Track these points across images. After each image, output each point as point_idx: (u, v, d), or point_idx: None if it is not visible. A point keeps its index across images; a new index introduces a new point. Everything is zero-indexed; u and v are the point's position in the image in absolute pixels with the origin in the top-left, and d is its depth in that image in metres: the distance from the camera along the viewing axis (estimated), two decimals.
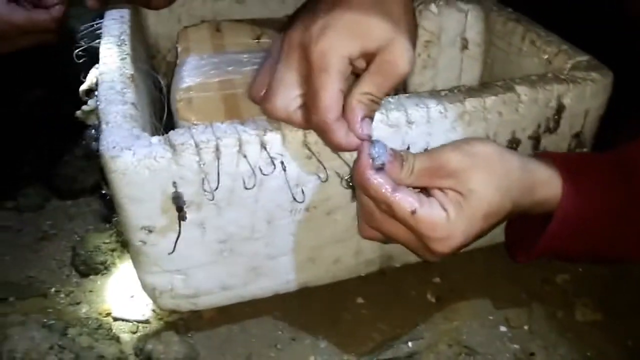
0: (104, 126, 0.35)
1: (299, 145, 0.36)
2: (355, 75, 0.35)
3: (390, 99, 0.38)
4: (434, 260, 0.36)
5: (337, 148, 0.35)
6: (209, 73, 0.47)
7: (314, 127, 0.34)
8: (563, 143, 0.44)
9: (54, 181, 0.59)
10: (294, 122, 0.35)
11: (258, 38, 0.55)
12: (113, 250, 0.53)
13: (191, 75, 0.47)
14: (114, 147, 0.34)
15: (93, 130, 0.39)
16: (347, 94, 0.34)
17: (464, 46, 0.49)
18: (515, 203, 0.35)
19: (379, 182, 0.33)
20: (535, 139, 0.43)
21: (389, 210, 0.34)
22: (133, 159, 0.33)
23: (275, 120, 0.36)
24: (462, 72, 0.50)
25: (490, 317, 0.46)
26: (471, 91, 0.40)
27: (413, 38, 0.36)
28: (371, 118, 0.35)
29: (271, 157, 0.36)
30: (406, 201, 0.33)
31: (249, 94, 0.37)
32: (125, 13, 0.51)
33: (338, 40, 0.33)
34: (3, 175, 0.61)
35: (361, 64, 0.35)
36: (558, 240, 0.37)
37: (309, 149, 0.36)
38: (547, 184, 0.37)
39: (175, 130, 0.35)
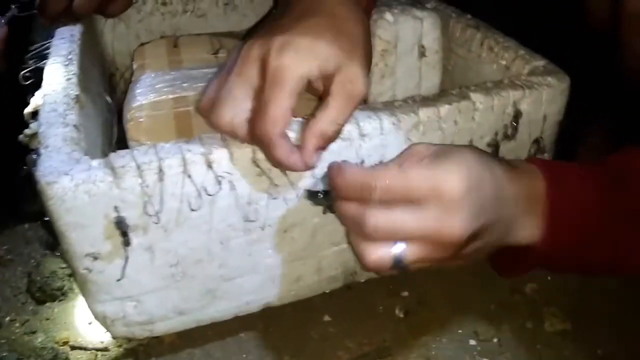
0: (42, 150, 0.34)
1: (248, 162, 0.35)
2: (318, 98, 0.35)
3: None
4: (457, 239, 0.31)
5: (277, 165, 0.34)
6: (162, 90, 0.46)
7: (257, 140, 0.33)
8: (523, 150, 0.43)
9: (7, 203, 0.58)
10: (238, 135, 0.34)
11: (216, 52, 0.54)
12: (70, 275, 0.51)
13: (144, 94, 0.46)
14: (50, 173, 0.32)
15: (35, 155, 0.37)
16: (309, 118, 0.34)
17: (422, 54, 0.48)
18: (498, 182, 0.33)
19: (355, 169, 0.32)
20: (494, 147, 0.42)
21: (382, 194, 0.31)
22: (71, 184, 0.32)
23: (220, 132, 0.34)
24: (421, 79, 0.49)
25: (460, 331, 0.45)
26: (425, 100, 0.39)
27: (369, 59, 0.37)
28: (324, 148, 0.34)
29: (218, 177, 0.34)
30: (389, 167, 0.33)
31: (199, 107, 0.36)
32: (76, 31, 0.50)
33: (298, 59, 0.32)
34: None
35: (319, 85, 0.34)
36: (550, 250, 0.35)
37: (259, 166, 0.35)
38: (531, 179, 0.34)
39: (117, 152, 0.34)
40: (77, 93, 0.39)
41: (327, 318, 0.47)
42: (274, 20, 0.36)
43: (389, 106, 0.38)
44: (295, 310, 0.46)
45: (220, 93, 0.34)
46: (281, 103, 0.32)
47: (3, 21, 0.49)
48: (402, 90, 0.49)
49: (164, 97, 0.46)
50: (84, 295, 0.37)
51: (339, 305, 0.47)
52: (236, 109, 0.33)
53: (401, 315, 0.47)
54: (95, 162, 0.33)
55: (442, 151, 0.33)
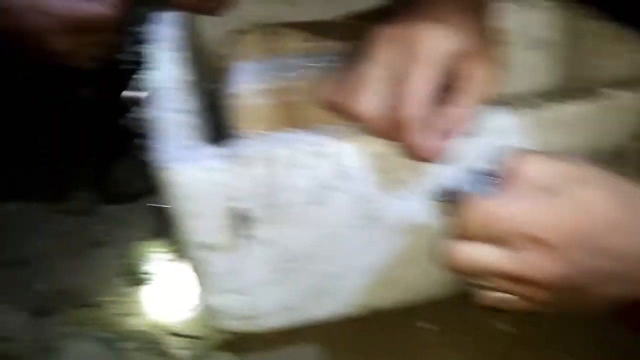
0: (160, 136, 0.33)
1: (373, 157, 0.33)
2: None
3: None
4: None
5: (412, 149, 0.31)
6: (262, 79, 0.45)
7: (394, 120, 0.31)
8: None
9: (104, 185, 0.59)
10: (373, 121, 0.32)
11: (312, 41, 0.52)
12: (165, 260, 0.51)
13: (244, 82, 0.45)
14: (171, 159, 0.31)
15: (144, 139, 0.37)
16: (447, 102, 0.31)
17: (540, 46, 0.45)
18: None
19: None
20: (619, 151, 0.38)
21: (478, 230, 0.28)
22: (192, 171, 0.31)
23: (352, 119, 0.32)
24: (538, 73, 0.46)
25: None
26: (550, 97, 0.36)
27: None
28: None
29: (339, 170, 0.33)
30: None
31: (320, 97, 0.34)
32: (179, 17, 0.50)
33: (444, 34, 0.31)
34: (52, 175, 0.61)
35: (456, 66, 0.32)
36: None
37: (383, 162, 0.33)
38: None
39: (236, 140, 0.33)
40: (186, 79, 0.39)
41: (430, 327, 0.44)
42: (403, 8, 0.34)
43: (512, 101, 0.35)
44: (397, 317, 0.43)
45: (354, 79, 0.32)
46: (425, 76, 0.30)
47: None
48: (517, 83, 0.45)
49: (265, 85, 0.45)
50: (195, 284, 0.37)
51: (446, 315, 0.44)
52: (374, 92, 0.31)
53: (512, 330, 0.44)
54: (215, 150, 0.32)
55: (563, 187, 0.28)
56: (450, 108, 0.31)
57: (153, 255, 0.51)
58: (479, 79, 0.31)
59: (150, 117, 0.36)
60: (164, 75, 0.39)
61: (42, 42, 0.46)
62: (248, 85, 0.45)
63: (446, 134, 0.31)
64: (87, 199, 0.58)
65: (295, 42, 0.52)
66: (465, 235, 0.29)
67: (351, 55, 0.34)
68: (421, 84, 0.30)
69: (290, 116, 0.42)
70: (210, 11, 0.53)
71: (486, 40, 0.33)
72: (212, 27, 0.60)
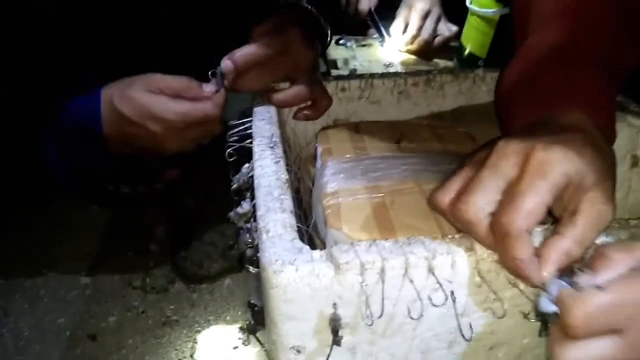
0: (264, 235, 0.34)
1: (471, 271, 0.33)
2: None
3: None
4: None
5: (512, 265, 0.31)
6: (354, 178, 0.46)
7: (499, 230, 0.31)
8: None
9: (179, 264, 0.60)
10: (480, 229, 0.32)
11: (398, 141, 0.54)
12: (235, 347, 0.51)
13: (336, 180, 0.46)
14: (276, 261, 0.32)
15: (247, 235, 0.38)
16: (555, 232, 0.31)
17: (635, 163, 0.44)
18: None
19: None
20: None
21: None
22: (295, 275, 0.32)
23: (462, 223, 0.33)
24: (630, 190, 0.45)
25: None
26: None
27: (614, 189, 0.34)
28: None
29: (438, 283, 0.33)
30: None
31: (434, 200, 0.35)
32: (272, 112, 0.53)
33: (564, 156, 0.31)
34: (132, 250, 0.63)
35: (567, 195, 0.32)
36: None
37: (481, 277, 0.33)
38: None
39: (338, 246, 0.33)
40: (287, 177, 0.41)
41: None
42: (526, 130, 0.36)
43: (624, 225, 0.35)
44: None
45: (470, 184, 0.33)
46: (539, 195, 0.30)
47: (219, 82, 0.51)
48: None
49: (357, 184, 0.46)
50: None
51: None
52: (485, 199, 0.32)
53: None
54: (318, 254, 0.33)
55: None
56: (558, 238, 0.31)
57: (223, 341, 0.51)
58: (591, 214, 0.31)
59: (254, 214, 0.38)
60: (266, 173, 0.41)
61: (156, 144, 0.50)
62: (340, 183, 0.46)
63: (551, 260, 0.31)
64: (163, 277, 0.60)
65: (381, 140, 0.54)
66: (574, 336, 0.28)
67: (466, 161, 0.35)
68: (535, 199, 0.30)
69: (383, 217, 0.42)
70: (308, 117, 0.56)
71: (609, 171, 0.33)
72: (299, 125, 0.63)
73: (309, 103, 0.56)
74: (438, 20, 0.97)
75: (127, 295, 0.57)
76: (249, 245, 0.41)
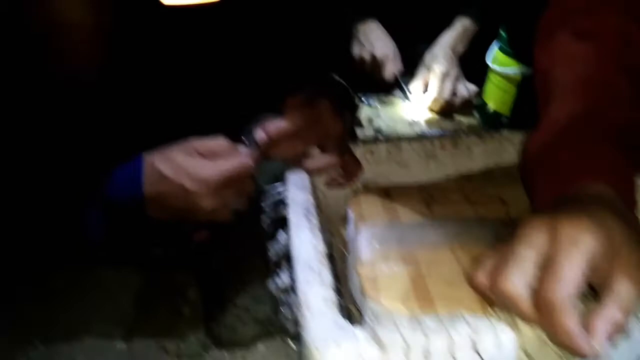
0: (305, 312, 0.35)
1: (516, 350, 0.33)
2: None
3: None
4: None
5: (562, 337, 0.31)
6: (389, 246, 0.47)
7: (543, 302, 0.31)
8: None
9: (213, 329, 0.60)
10: (521, 304, 0.32)
11: (429, 205, 0.55)
12: None
13: (371, 248, 0.47)
14: (320, 340, 0.32)
15: (287, 308, 0.38)
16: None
17: None
18: None
19: None
20: None
21: None
22: (340, 354, 0.32)
23: (502, 299, 0.33)
24: None
25: None
26: None
27: None
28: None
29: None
30: None
31: (474, 281, 0.36)
32: (306, 178, 0.54)
33: (593, 227, 0.33)
34: (164, 313, 0.63)
35: (601, 264, 0.32)
36: None
37: (527, 355, 0.33)
38: None
39: (381, 324, 0.34)
40: (325, 249, 0.41)
41: None
42: (553, 205, 0.37)
43: None
44: None
45: (505, 259, 0.34)
46: (575, 264, 0.31)
47: (252, 145, 0.53)
48: None
49: (392, 253, 0.46)
50: None
51: None
52: (523, 274, 0.33)
53: None
54: (360, 333, 0.33)
55: None
56: (602, 308, 0.31)
57: None
58: (628, 280, 0.31)
59: (297, 288, 0.38)
60: (303, 245, 0.42)
61: (192, 203, 0.51)
62: (375, 252, 0.46)
63: (600, 331, 0.31)
64: (197, 342, 0.60)
65: (412, 205, 0.55)
66: None
67: (504, 239, 0.36)
68: (573, 268, 0.31)
69: (421, 288, 0.42)
70: (340, 185, 0.58)
71: (633, 239, 0.34)
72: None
73: (340, 171, 0.57)
74: (456, 81, 0.99)
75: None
76: (290, 319, 0.41)
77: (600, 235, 0.32)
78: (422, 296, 0.41)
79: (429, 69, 1.00)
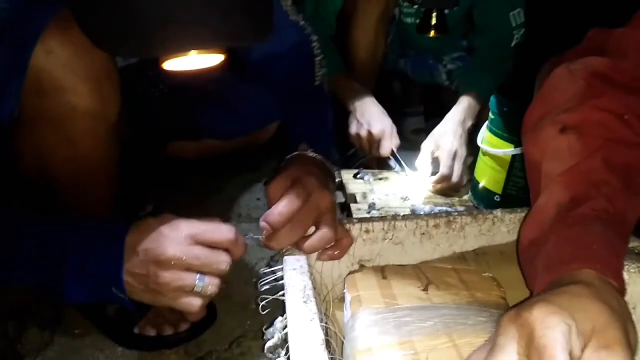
0: None
1: None
2: None
3: None
4: None
5: None
6: (386, 332, 0.47)
7: None
8: None
9: None
10: None
11: (426, 288, 0.55)
12: None
13: (368, 335, 0.46)
14: None
15: None
16: None
17: None
18: None
19: None
20: None
21: None
22: None
23: None
24: None
25: None
26: None
27: (632, 331, 0.36)
28: None
29: None
30: None
31: None
32: (302, 261, 0.54)
33: (558, 317, 0.34)
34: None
35: (577, 345, 0.34)
36: None
37: None
38: None
39: None
40: (323, 337, 0.41)
41: None
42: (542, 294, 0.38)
43: None
44: None
45: (490, 350, 0.35)
46: (559, 343, 0.32)
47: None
48: None
49: (390, 340, 0.46)
50: None
51: None
52: None
53: None
54: None
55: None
56: None
57: None
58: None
59: None
60: (301, 332, 0.41)
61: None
62: (373, 339, 0.46)
63: None
64: None
65: (408, 287, 0.55)
66: None
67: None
68: (558, 350, 0.32)
69: None
70: (332, 257, 0.58)
71: (613, 317, 0.35)
72: (325, 266, 0.64)
73: (332, 244, 0.58)
74: (465, 161, 0.99)
75: None
76: None
77: (572, 314, 0.34)
78: None
79: (436, 143, 1.00)
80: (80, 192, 0.66)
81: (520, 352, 0.34)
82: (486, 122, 0.93)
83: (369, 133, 1.05)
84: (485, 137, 0.92)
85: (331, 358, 0.39)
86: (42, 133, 0.60)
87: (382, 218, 0.66)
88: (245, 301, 0.75)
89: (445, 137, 1.00)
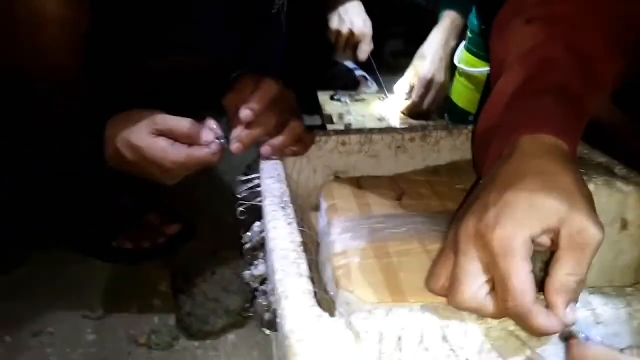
0: (283, 302, 0.36)
1: (482, 337, 0.34)
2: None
3: None
4: None
5: (538, 332, 0.33)
6: (361, 238, 0.48)
7: (511, 314, 0.33)
8: None
9: (184, 320, 0.60)
10: (487, 312, 0.34)
11: (399, 198, 0.56)
12: None
13: (344, 239, 0.48)
14: (298, 329, 0.33)
15: (263, 297, 0.39)
16: (546, 276, 0.34)
17: (624, 227, 0.47)
18: None
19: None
20: None
21: None
22: (316, 343, 0.33)
23: (466, 311, 0.35)
24: (620, 253, 0.48)
25: None
26: None
27: (591, 203, 0.36)
28: (575, 300, 0.33)
29: (453, 350, 0.34)
30: None
31: (429, 286, 0.38)
32: (280, 169, 0.54)
33: (516, 225, 0.34)
34: (136, 305, 0.62)
35: (545, 240, 0.35)
36: None
37: (491, 344, 0.35)
38: None
39: (356, 314, 0.35)
40: (301, 240, 0.42)
41: None
42: (483, 191, 0.38)
43: (622, 292, 0.37)
44: None
45: (454, 275, 0.35)
46: (520, 273, 0.33)
47: (221, 130, 0.55)
48: (598, 261, 0.47)
49: (364, 244, 0.47)
50: None
51: None
52: (475, 286, 0.34)
53: None
54: (337, 322, 0.34)
55: None
56: (550, 280, 0.33)
57: None
58: (568, 247, 0.33)
59: (270, 278, 0.39)
60: (280, 236, 0.42)
61: (155, 180, 0.54)
62: (348, 243, 0.47)
63: (557, 303, 0.33)
64: (168, 333, 0.60)
65: (383, 197, 0.56)
66: None
67: (444, 247, 0.38)
68: (519, 276, 0.33)
69: (393, 279, 0.43)
70: (296, 153, 0.59)
71: (573, 196, 0.35)
72: (299, 172, 0.65)
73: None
74: (441, 89, 0.98)
75: (133, 352, 0.57)
76: (266, 309, 0.41)
77: (531, 218, 0.33)
78: (394, 289, 0.42)
79: (416, 70, 0.99)
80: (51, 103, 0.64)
81: (485, 271, 0.34)
82: (463, 42, 0.92)
83: (350, 32, 1.01)
84: (462, 57, 0.91)
85: (309, 259, 0.41)
86: (13, 44, 0.57)
87: (359, 131, 0.66)
88: (222, 215, 0.76)
89: (423, 63, 0.98)
